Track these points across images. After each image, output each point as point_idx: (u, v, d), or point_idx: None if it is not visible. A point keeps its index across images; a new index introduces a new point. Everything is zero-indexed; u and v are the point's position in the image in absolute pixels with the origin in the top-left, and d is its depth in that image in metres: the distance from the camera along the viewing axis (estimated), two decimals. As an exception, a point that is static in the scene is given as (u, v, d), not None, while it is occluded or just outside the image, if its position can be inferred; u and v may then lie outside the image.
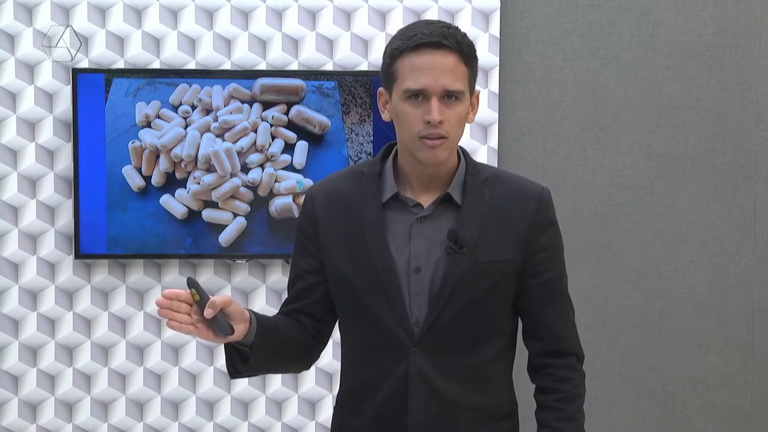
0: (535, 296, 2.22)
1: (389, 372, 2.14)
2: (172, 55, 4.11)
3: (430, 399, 2.15)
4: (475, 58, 2.14)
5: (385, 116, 2.18)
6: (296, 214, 4.03)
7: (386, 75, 2.14)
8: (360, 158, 4.04)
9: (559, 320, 2.24)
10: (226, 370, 2.23)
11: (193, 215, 4.07)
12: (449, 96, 2.09)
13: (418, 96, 2.08)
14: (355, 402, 2.21)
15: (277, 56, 4.14)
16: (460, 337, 2.16)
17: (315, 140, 4.05)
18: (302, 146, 4.05)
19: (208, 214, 4.06)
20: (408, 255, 2.14)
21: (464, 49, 2.10)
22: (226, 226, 4.07)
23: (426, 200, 2.18)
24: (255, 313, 2.19)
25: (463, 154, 2.23)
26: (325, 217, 2.21)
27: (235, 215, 4.06)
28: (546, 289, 2.22)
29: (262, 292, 4.17)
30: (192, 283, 2.02)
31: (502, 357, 2.23)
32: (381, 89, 2.18)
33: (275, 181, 4.04)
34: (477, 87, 2.20)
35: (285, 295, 4.27)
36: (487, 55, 4.11)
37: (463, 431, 2.19)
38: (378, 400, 2.18)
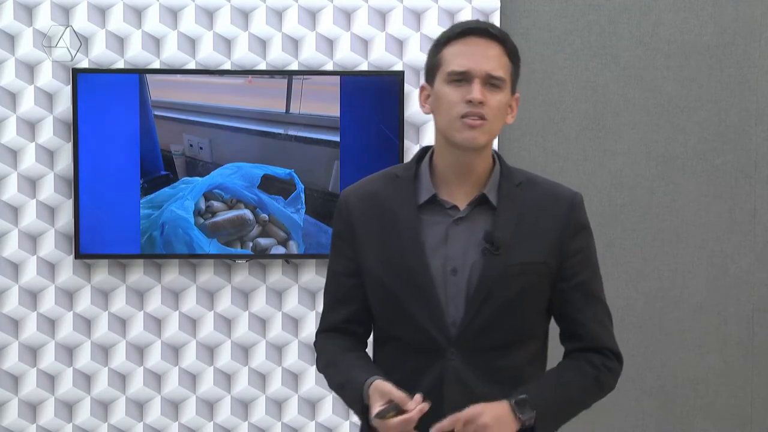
0: (569, 299, 2.24)
1: (424, 372, 2.15)
2: (172, 55, 4.11)
3: (466, 399, 2.15)
4: (518, 58, 2.19)
5: (426, 109, 2.21)
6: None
7: (430, 66, 2.19)
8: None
9: (595, 322, 2.25)
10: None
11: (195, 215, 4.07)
12: (491, 83, 2.13)
13: (461, 79, 2.13)
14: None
15: (277, 56, 4.14)
16: (496, 339, 2.18)
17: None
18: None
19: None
20: (444, 257, 2.17)
21: (509, 44, 2.17)
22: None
23: (462, 202, 2.20)
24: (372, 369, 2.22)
25: (498, 158, 2.26)
26: (361, 220, 2.23)
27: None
28: (580, 292, 2.25)
29: (262, 292, 4.18)
30: (385, 413, 2.04)
31: (537, 359, 2.26)
32: (423, 84, 2.22)
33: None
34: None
35: (284, 295, 4.28)
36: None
37: None
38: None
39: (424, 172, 2.22)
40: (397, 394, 2.05)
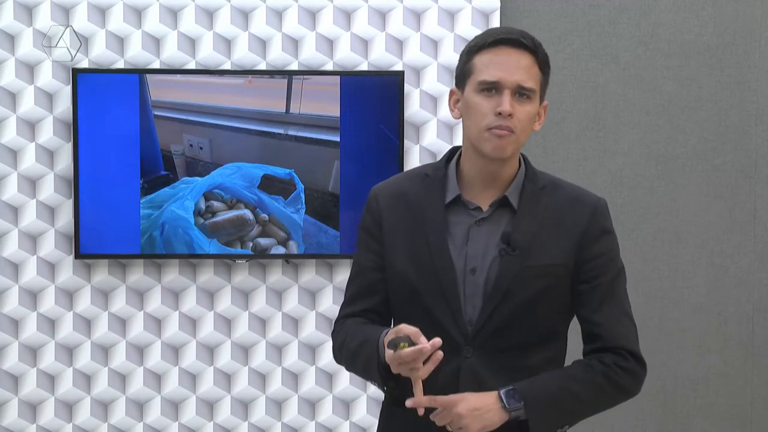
0: (588, 300, 2.25)
1: (441, 368, 2.12)
2: (172, 55, 4.11)
3: None
4: (549, 68, 2.22)
5: (455, 114, 2.24)
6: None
7: (461, 72, 2.21)
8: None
9: (612, 322, 2.26)
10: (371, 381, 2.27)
11: (195, 215, 4.07)
12: (521, 93, 2.16)
13: (491, 89, 2.15)
14: (406, 395, 2.16)
15: (277, 56, 4.14)
16: (513, 338, 2.20)
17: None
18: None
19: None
20: (465, 256, 2.20)
21: (540, 53, 2.19)
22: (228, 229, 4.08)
23: (486, 203, 2.23)
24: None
25: (524, 161, 2.30)
26: (390, 215, 2.27)
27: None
28: (599, 293, 2.25)
29: (262, 292, 4.17)
30: (397, 343, 2.04)
31: (556, 362, 2.27)
32: (453, 88, 2.25)
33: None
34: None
35: (284, 295, 4.28)
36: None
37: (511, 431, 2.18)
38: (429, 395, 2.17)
39: (451, 173, 2.26)
40: (410, 329, 2.05)
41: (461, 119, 2.24)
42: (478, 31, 4.08)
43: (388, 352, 2.06)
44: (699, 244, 4.29)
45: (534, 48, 2.18)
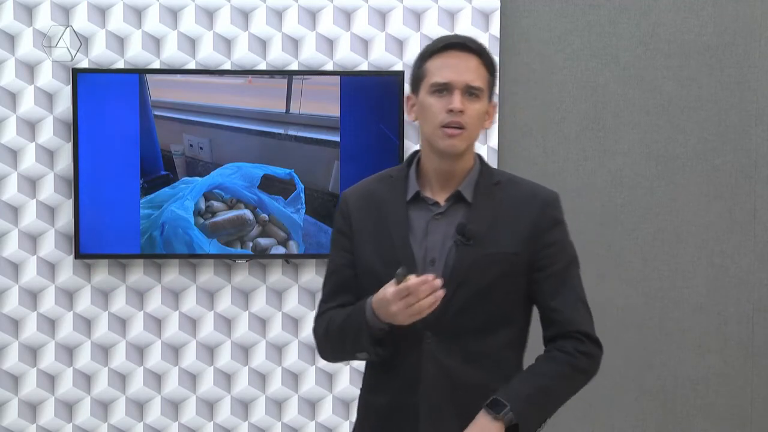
0: (543, 287, 2.38)
1: (405, 354, 2.32)
2: (172, 55, 4.11)
3: (441, 380, 2.34)
4: (495, 69, 2.40)
5: (411, 117, 2.42)
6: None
7: (415, 77, 2.40)
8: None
9: (570, 308, 2.39)
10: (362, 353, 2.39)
11: (195, 215, 4.08)
12: (470, 92, 2.34)
13: (443, 90, 2.33)
14: (376, 382, 2.40)
15: (277, 56, 4.14)
16: (471, 323, 2.34)
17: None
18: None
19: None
20: (425, 248, 2.36)
21: (485, 56, 2.38)
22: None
23: (443, 199, 2.40)
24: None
25: (480, 160, 2.46)
26: (358, 216, 2.44)
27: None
28: (554, 280, 2.38)
29: (262, 292, 4.18)
30: (402, 275, 2.21)
31: (513, 346, 2.41)
32: (409, 93, 2.43)
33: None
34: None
35: (284, 295, 4.28)
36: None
37: (473, 410, 2.31)
38: (394, 381, 2.36)
39: (412, 173, 2.43)
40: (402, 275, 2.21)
41: (417, 120, 2.40)
42: (478, 31, 4.11)
43: (388, 291, 2.22)
44: (699, 244, 4.29)
45: (480, 51, 2.37)
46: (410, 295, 2.21)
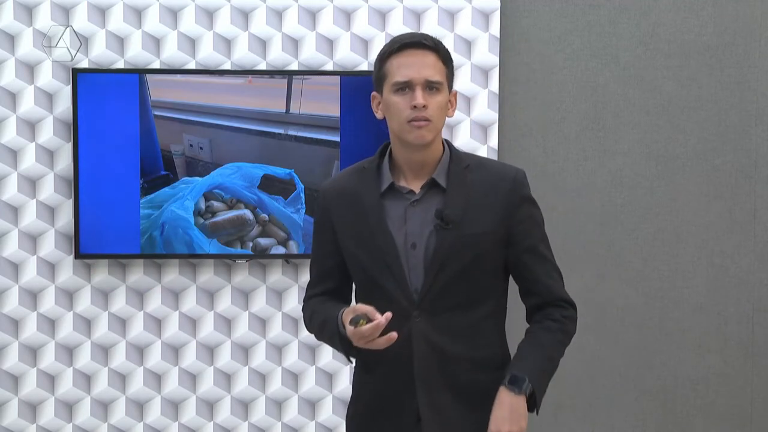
0: (522, 261, 2.56)
1: (396, 332, 2.43)
2: (172, 55, 4.12)
3: (432, 353, 2.51)
4: (451, 61, 2.54)
5: (379, 115, 2.57)
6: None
7: (377, 77, 2.55)
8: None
9: (547, 277, 2.58)
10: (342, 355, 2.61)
11: (195, 215, 4.08)
12: (430, 87, 2.48)
13: (405, 88, 2.48)
14: (369, 361, 2.55)
15: (277, 56, 4.14)
16: (454, 300, 2.52)
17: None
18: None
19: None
20: (405, 234, 2.52)
21: (441, 50, 2.52)
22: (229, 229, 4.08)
23: (417, 187, 2.54)
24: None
25: (448, 145, 2.60)
26: (336, 209, 2.59)
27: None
28: (530, 253, 2.56)
29: (262, 292, 4.18)
30: (357, 320, 2.40)
31: (494, 315, 2.58)
32: (374, 93, 2.57)
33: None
34: (456, 86, 2.59)
35: (284, 295, 4.28)
36: (487, 55, 4.11)
37: (462, 380, 2.54)
38: (387, 358, 2.51)
39: (384, 165, 2.58)
40: (365, 307, 2.40)
41: (384, 118, 2.56)
42: (478, 31, 4.11)
43: (349, 329, 2.40)
44: (699, 244, 4.29)
45: (435, 47, 2.51)
46: (367, 337, 2.39)
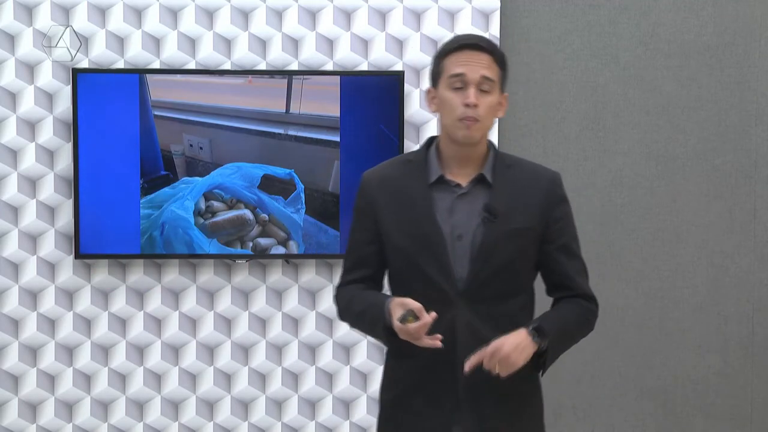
0: (556, 258, 2.71)
1: (439, 320, 2.53)
2: (172, 55, 4.12)
3: (474, 340, 2.60)
4: (506, 65, 2.68)
5: (432, 108, 2.69)
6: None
7: (434, 73, 2.67)
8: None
9: (576, 274, 2.73)
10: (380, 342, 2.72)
11: (195, 215, 4.08)
12: (483, 87, 2.61)
13: (460, 84, 2.60)
14: (410, 346, 2.58)
15: (277, 56, 4.14)
16: (495, 290, 2.64)
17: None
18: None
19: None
20: (451, 225, 2.63)
21: (497, 53, 2.65)
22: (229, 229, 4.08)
23: (464, 181, 2.66)
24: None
25: (492, 145, 2.72)
26: (380, 196, 2.69)
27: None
28: (563, 251, 2.71)
29: (262, 292, 4.18)
30: (406, 317, 2.49)
31: (528, 307, 2.72)
32: (429, 87, 2.69)
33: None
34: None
35: (284, 295, 4.27)
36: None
37: None
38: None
39: (432, 158, 2.69)
40: (415, 304, 2.50)
41: (437, 112, 2.68)
42: (478, 31, 4.11)
43: (397, 324, 2.50)
44: (699, 244, 4.29)
45: (491, 49, 2.64)
46: (413, 334, 2.51)
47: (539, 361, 2.65)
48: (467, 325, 2.62)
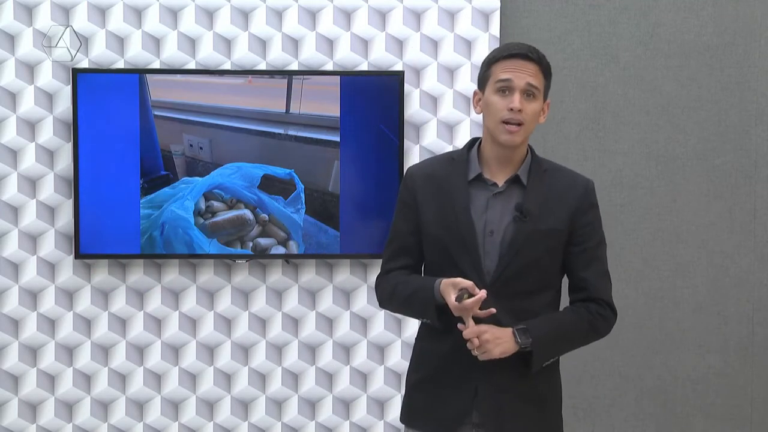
0: (578, 260, 2.83)
1: None
2: (172, 55, 4.12)
3: None
4: (551, 74, 2.82)
5: (478, 110, 2.84)
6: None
7: (482, 77, 2.82)
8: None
9: (598, 279, 2.84)
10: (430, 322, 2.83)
11: (195, 215, 4.08)
12: (528, 93, 2.75)
13: (505, 90, 2.75)
14: (439, 332, 2.79)
15: (277, 56, 4.14)
16: (521, 286, 2.77)
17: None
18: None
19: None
20: (485, 221, 2.78)
21: (543, 63, 2.79)
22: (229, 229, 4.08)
23: (501, 180, 2.81)
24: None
25: (531, 149, 2.87)
26: (423, 191, 2.85)
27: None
28: (586, 254, 2.83)
29: (262, 292, 4.18)
30: (462, 296, 2.65)
31: (552, 305, 2.85)
32: (476, 90, 2.84)
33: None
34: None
35: (284, 295, 4.27)
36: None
37: (517, 357, 2.76)
38: (457, 331, 2.73)
39: (473, 157, 2.85)
40: (467, 282, 2.65)
41: (482, 114, 2.82)
42: (478, 31, 4.11)
43: (453, 303, 2.65)
44: (699, 244, 4.29)
45: (538, 59, 2.78)
46: (469, 309, 2.67)
47: (525, 359, 2.76)
48: (493, 318, 2.72)
